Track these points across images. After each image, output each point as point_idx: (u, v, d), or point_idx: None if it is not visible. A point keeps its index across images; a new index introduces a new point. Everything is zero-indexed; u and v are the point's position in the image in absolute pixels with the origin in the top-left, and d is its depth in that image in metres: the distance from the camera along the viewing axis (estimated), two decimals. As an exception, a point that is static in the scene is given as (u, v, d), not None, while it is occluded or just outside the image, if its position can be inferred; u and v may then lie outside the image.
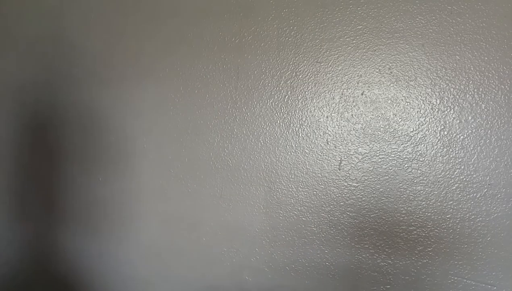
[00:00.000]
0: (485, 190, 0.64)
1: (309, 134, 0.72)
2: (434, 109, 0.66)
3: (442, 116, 0.66)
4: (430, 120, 0.66)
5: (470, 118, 0.65)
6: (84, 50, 0.86)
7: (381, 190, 0.68)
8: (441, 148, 0.66)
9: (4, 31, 0.92)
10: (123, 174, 0.81)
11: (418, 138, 0.67)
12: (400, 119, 0.68)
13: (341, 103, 0.70)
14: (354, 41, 0.70)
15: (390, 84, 0.68)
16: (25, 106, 0.90)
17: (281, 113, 0.73)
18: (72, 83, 0.87)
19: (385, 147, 0.68)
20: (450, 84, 0.66)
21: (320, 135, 0.71)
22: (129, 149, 0.82)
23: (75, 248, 0.86)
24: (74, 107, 0.87)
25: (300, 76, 0.72)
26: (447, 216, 0.65)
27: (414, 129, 0.67)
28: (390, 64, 0.68)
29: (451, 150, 0.66)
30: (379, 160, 0.68)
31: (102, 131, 0.84)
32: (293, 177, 0.72)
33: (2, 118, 0.92)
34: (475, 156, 0.65)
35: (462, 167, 0.65)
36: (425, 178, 0.66)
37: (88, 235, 0.85)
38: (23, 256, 0.91)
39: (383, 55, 0.69)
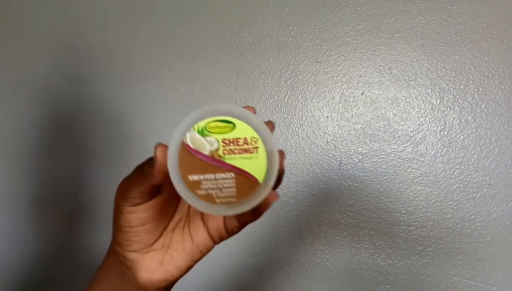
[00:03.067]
0: (485, 190, 0.64)
1: (309, 134, 0.72)
2: (434, 109, 0.66)
3: (442, 116, 0.66)
4: (430, 120, 0.66)
5: (470, 118, 0.65)
6: (91, 53, 0.86)
7: (381, 190, 0.68)
8: (441, 148, 0.66)
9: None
10: (123, 175, 0.81)
11: (418, 138, 0.67)
12: (400, 119, 0.68)
13: (341, 103, 0.70)
14: (354, 41, 0.70)
15: (390, 84, 0.68)
16: (30, 105, 0.90)
17: (281, 113, 0.73)
18: (80, 84, 0.87)
19: (385, 147, 0.68)
20: (450, 84, 0.66)
21: (320, 135, 0.71)
22: (129, 149, 0.82)
23: (76, 248, 0.86)
24: (78, 107, 0.87)
25: (300, 76, 0.72)
26: (447, 216, 0.65)
27: (414, 129, 0.67)
28: (390, 64, 0.68)
29: (451, 150, 0.66)
30: (379, 160, 0.68)
31: (103, 132, 0.84)
32: (293, 177, 0.72)
33: (3, 114, 0.92)
34: (475, 156, 0.65)
35: (462, 167, 0.65)
36: (425, 178, 0.66)
37: (88, 235, 0.85)
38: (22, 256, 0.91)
39: (383, 55, 0.69)
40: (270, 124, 0.31)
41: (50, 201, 0.88)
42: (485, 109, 0.64)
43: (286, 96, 0.73)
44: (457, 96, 0.66)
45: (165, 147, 0.29)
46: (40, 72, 0.89)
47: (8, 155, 0.91)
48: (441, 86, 0.66)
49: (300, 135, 0.72)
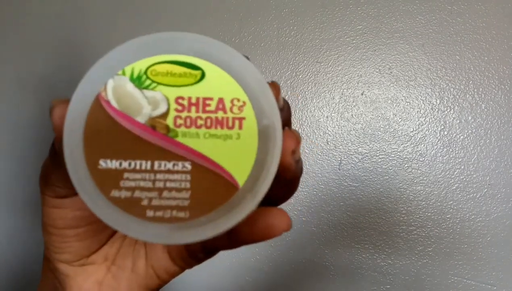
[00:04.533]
0: (485, 190, 0.64)
1: (309, 134, 0.72)
2: (434, 109, 0.66)
3: (442, 116, 0.66)
4: (430, 120, 0.67)
5: (470, 118, 0.65)
6: (91, 53, 0.86)
7: (381, 190, 0.68)
8: (441, 148, 0.66)
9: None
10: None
11: (418, 138, 0.67)
12: (400, 119, 0.68)
13: (341, 103, 0.70)
14: (354, 41, 0.70)
15: (390, 84, 0.68)
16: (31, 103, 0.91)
17: (281, 113, 0.73)
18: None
19: (385, 147, 0.68)
20: (450, 84, 0.66)
21: (320, 135, 0.71)
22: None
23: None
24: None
25: (300, 76, 0.73)
26: (447, 216, 0.66)
27: (414, 129, 0.67)
28: (390, 64, 0.68)
29: (451, 150, 0.66)
30: (379, 160, 0.68)
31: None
32: (293, 177, 0.72)
33: (3, 112, 0.92)
34: (475, 156, 0.65)
35: (462, 167, 0.65)
36: (425, 178, 0.66)
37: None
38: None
39: (383, 55, 0.69)
40: (274, 86, 0.18)
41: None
42: (485, 109, 0.64)
43: (286, 96, 0.73)
44: (457, 96, 0.66)
45: (67, 103, 0.17)
46: (40, 72, 0.89)
47: (8, 154, 0.91)
48: (441, 86, 0.66)
49: (300, 135, 0.72)
